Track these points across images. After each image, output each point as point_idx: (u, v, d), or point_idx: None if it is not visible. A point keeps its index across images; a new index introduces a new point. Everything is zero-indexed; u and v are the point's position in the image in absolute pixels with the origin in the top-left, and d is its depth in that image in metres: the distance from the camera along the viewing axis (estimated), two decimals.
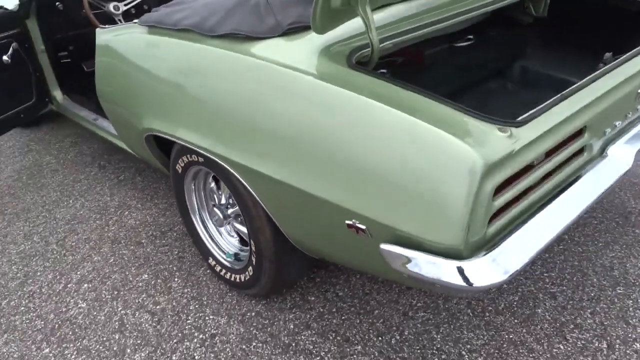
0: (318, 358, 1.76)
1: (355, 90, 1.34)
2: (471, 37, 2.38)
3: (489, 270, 1.18)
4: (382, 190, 1.27)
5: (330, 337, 1.83)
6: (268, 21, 1.60)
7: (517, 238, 1.25)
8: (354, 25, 1.59)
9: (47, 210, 2.68)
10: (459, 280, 1.17)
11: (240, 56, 1.56)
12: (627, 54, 1.70)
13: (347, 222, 1.34)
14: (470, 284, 1.17)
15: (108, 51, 2.05)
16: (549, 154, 1.38)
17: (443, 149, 1.18)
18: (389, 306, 1.95)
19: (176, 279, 2.15)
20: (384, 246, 1.28)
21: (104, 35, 2.07)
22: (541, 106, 1.37)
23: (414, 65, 2.16)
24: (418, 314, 1.91)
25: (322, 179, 1.38)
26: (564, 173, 1.46)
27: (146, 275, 2.19)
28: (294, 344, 1.82)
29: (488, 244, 1.25)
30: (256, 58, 1.53)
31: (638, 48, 1.74)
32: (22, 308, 2.08)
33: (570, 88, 1.46)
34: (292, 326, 1.89)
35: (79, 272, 2.23)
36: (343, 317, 1.91)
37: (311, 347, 1.80)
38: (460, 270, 1.17)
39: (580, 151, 1.50)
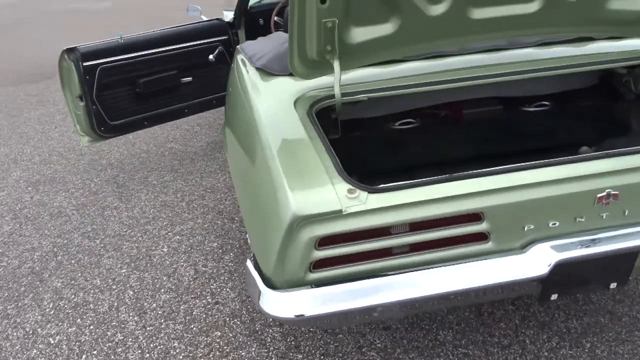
0: None
1: (274, 130, 1.61)
2: (547, 103, 2.22)
3: (279, 304, 1.34)
4: (253, 222, 1.53)
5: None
6: (284, 63, 1.94)
7: (328, 290, 1.36)
8: (353, 75, 1.81)
9: (201, 177, 3.50)
10: (258, 303, 1.37)
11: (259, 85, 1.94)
12: (594, 153, 1.48)
13: None
14: (262, 309, 1.36)
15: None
16: (420, 227, 1.39)
17: (278, 196, 1.38)
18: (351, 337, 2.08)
19: (230, 254, 2.67)
20: (248, 263, 1.53)
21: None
22: (420, 180, 1.40)
23: (458, 121, 2.17)
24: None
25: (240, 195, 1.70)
26: (451, 252, 1.43)
27: (215, 244, 2.76)
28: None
29: (309, 286, 1.39)
30: (264, 88, 1.91)
31: (613, 150, 1.50)
32: (137, 238, 2.88)
33: (471, 172, 1.42)
34: None
35: (180, 227, 2.94)
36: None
37: None
38: (259, 295, 1.37)
39: (482, 237, 1.43)
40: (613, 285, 1.60)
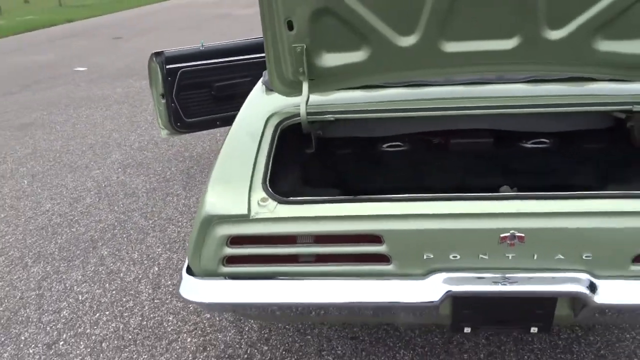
0: None
1: (233, 138, 1.81)
2: (546, 140, 2.14)
3: (190, 289, 1.54)
4: None
5: None
6: None
7: (233, 284, 1.52)
8: (336, 96, 1.95)
9: None
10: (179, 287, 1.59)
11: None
12: (504, 193, 1.45)
13: None
14: (179, 292, 1.57)
15: None
16: (325, 240, 1.49)
17: (204, 195, 1.57)
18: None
19: None
20: None
21: None
22: (328, 197, 1.50)
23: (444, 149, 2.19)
24: None
25: None
26: (356, 268, 1.51)
27: None
28: None
29: (221, 277, 1.56)
30: (252, 101, 2.12)
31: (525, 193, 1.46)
32: (183, 223, 3.25)
33: (375, 196, 1.48)
34: None
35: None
36: None
37: None
38: (180, 280, 1.58)
39: (384, 259, 1.48)
40: (534, 330, 1.54)
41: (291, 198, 1.51)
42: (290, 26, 1.73)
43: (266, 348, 2.16)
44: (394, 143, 2.25)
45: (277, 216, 1.47)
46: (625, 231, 1.39)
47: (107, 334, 2.29)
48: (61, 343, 2.26)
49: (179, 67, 3.50)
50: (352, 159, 2.27)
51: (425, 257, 1.46)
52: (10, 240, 3.16)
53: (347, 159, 2.27)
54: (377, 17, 1.70)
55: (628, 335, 2.09)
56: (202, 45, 3.62)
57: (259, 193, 1.53)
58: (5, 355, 2.21)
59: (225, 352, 2.14)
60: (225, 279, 1.55)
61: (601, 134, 2.17)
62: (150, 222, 3.26)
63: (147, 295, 2.55)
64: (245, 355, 2.12)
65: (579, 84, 1.90)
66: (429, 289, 1.44)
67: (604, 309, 1.43)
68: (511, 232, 1.41)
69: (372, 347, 2.12)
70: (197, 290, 1.54)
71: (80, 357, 2.17)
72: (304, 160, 2.13)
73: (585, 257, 1.42)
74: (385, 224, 1.44)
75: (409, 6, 1.66)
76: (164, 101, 3.52)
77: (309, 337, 2.20)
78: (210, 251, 1.53)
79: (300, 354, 2.12)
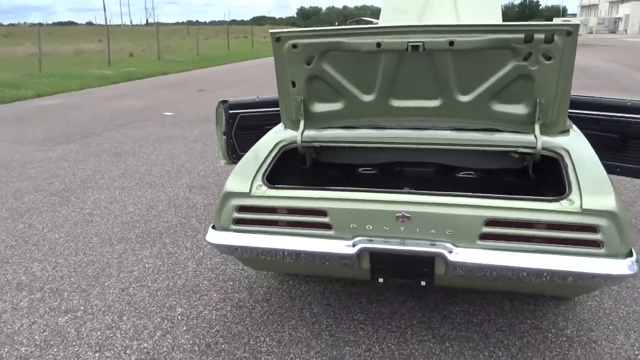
0: None
1: (253, 150, 2.84)
2: (474, 173, 3.01)
3: (210, 236, 2.51)
4: None
5: None
6: None
7: (235, 234, 2.49)
8: (325, 132, 2.93)
9: None
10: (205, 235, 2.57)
11: None
12: (404, 190, 2.33)
13: None
14: (206, 238, 2.55)
15: None
16: (294, 212, 2.44)
17: (226, 181, 2.58)
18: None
19: None
20: None
21: None
22: (298, 186, 2.46)
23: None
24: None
25: None
26: (311, 232, 2.43)
27: None
28: None
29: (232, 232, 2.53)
30: (273, 131, 3.16)
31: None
32: None
33: (326, 187, 2.42)
34: None
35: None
36: None
37: None
38: (207, 231, 2.56)
39: (326, 226, 2.40)
40: (423, 283, 2.37)
41: (276, 185, 2.49)
42: (293, 85, 2.76)
43: (265, 304, 3.07)
44: (366, 168, 3.20)
45: (265, 195, 2.45)
46: (471, 217, 2.23)
47: (161, 287, 3.31)
48: (130, 289, 3.29)
49: (238, 112, 4.61)
50: (333, 174, 3.22)
51: (351, 226, 2.37)
52: (103, 228, 4.31)
53: (330, 174, 3.23)
54: (348, 82, 2.70)
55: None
56: (258, 97, 4.75)
57: (258, 181, 2.52)
58: (93, 293, 3.26)
59: (237, 304, 3.08)
60: (233, 232, 2.53)
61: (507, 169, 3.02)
62: (203, 225, 4.32)
63: (192, 268, 3.56)
64: (251, 306, 3.05)
65: (489, 133, 2.78)
66: (352, 246, 2.34)
67: (458, 266, 2.25)
68: (402, 213, 2.29)
69: (339, 310, 2.98)
70: (214, 237, 2.52)
71: (141, 298, 3.18)
72: (300, 171, 3.11)
73: (448, 232, 2.27)
74: (329, 203, 2.37)
75: (368, 77, 2.65)
76: (224, 137, 4.64)
77: (297, 300, 3.09)
78: (227, 214, 2.52)
79: (289, 309, 3.01)
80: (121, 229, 4.28)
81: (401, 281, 2.49)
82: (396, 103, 2.72)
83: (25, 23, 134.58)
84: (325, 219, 2.41)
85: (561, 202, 2.19)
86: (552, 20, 64.16)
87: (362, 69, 2.63)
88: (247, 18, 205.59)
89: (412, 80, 2.63)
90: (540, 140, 2.56)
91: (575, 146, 2.63)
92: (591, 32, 57.57)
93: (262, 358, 2.57)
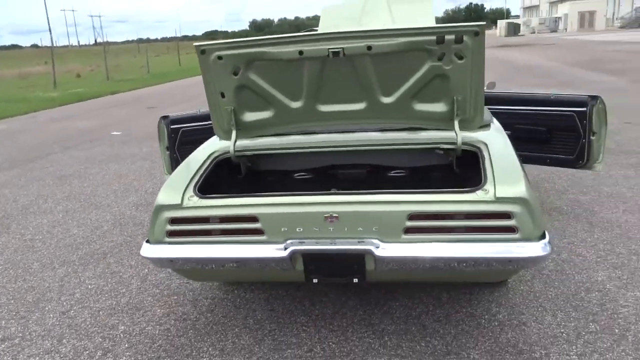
0: None
1: (186, 161, 2.86)
2: (403, 171, 3.11)
3: (145, 250, 2.51)
4: None
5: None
6: None
7: (169, 247, 2.50)
8: (258, 140, 2.97)
9: None
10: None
11: None
12: (329, 191, 2.41)
13: None
14: (140, 252, 2.55)
15: None
16: (226, 220, 2.47)
17: (157, 195, 2.59)
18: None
19: None
20: None
21: None
22: (226, 195, 2.50)
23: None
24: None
25: None
26: (244, 238, 2.46)
27: None
28: None
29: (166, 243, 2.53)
30: (209, 141, 3.18)
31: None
32: None
33: (253, 194, 2.47)
34: None
35: None
36: None
37: None
38: (143, 244, 2.56)
39: (258, 232, 2.44)
40: (355, 280, 2.44)
41: (207, 195, 2.52)
42: (222, 95, 2.80)
43: (209, 315, 3.08)
44: (301, 173, 3.26)
45: (197, 205, 2.48)
46: (395, 213, 2.32)
47: (103, 307, 3.27)
48: (71, 311, 3.24)
49: (180, 127, 4.60)
50: (269, 181, 3.27)
51: (282, 230, 2.42)
52: (45, 253, 4.22)
53: (266, 182, 3.27)
54: (276, 90, 2.76)
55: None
56: (199, 111, 4.75)
57: (189, 192, 2.54)
58: (32, 319, 3.19)
59: (181, 317, 3.07)
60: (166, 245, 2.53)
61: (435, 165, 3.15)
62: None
63: (135, 285, 3.52)
64: (195, 318, 3.05)
65: (413, 131, 2.88)
66: (283, 249, 2.39)
67: (385, 261, 2.33)
68: (330, 213, 2.36)
69: (282, 314, 3.02)
70: (148, 251, 2.52)
71: (82, 320, 3.13)
72: (237, 181, 3.14)
73: (374, 229, 2.35)
74: (259, 209, 2.42)
75: (294, 84, 2.72)
76: (168, 152, 4.62)
77: (241, 309, 3.11)
78: (160, 227, 2.52)
79: (233, 318, 3.03)
80: (63, 252, 4.20)
81: (335, 280, 2.55)
82: (323, 108, 2.80)
83: None
84: (257, 225, 2.45)
85: (477, 192, 2.30)
86: (496, 22, 66.56)
87: (287, 77, 2.70)
88: (199, 33, 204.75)
89: (336, 85, 2.71)
90: (459, 135, 2.68)
91: (493, 140, 2.77)
92: (534, 32, 59.92)
93: None
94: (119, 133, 9.87)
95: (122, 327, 3.00)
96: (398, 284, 3.15)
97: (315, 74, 2.65)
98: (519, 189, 2.27)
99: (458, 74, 2.56)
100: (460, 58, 2.51)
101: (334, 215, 2.36)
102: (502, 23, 60.39)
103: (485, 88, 2.85)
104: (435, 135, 2.82)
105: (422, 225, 2.32)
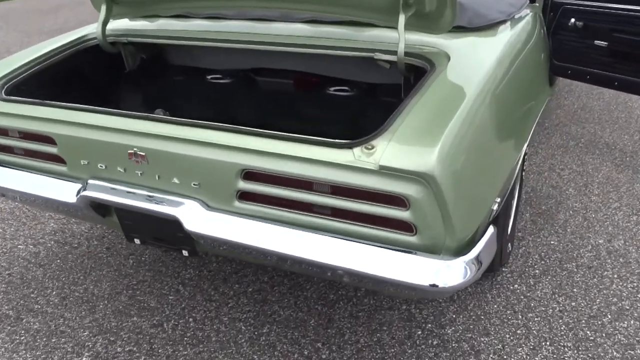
0: None
1: None
2: (347, 88, 2.08)
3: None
4: None
5: None
6: None
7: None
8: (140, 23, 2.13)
9: None
10: None
11: None
12: (136, 113, 1.50)
13: None
14: None
15: None
16: (26, 137, 1.71)
17: None
18: None
19: None
20: None
21: None
22: (33, 100, 1.69)
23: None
24: None
25: None
26: (43, 164, 1.71)
27: None
28: None
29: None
30: None
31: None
32: None
33: (47, 102, 1.63)
34: None
35: None
36: None
37: None
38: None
39: (59, 159, 1.65)
40: (185, 253, 1.61)
41: (14, 97, 1.73)
42: None
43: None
44: (216, 76, 2.31)
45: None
46: (224, 165, 1.39)
47: None
48: None
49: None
50: (168, 83, 2.40)
51: (82, 163, 1.61)
52: None
53: (164, 83, 2.42)
54: None
55: None
56: None
57: None
58: None
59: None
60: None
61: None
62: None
63: None
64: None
65: (355, 28, 1.82)
66: (75, 192, 1.60)
67: (198, 237, 1.46)
68: (134, 149, 1.49)
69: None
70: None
71: None
72: (112, 77, 2.31)
73: (194, 185, 1.45)
74: (56, 127, 1.62)
75: None
76: None
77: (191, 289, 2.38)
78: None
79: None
80: None
81: (161, 246, 1.71)
82: None
83: None
84: (54, 150, 1.66)
85: (355, 149, 1.27)
86: None
87: None
88: None
89: None
90: (402, 38, 1.57)
91: (468, 52, 1.64)
92: None
93: None
94: None
95: None
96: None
97: None
98: (428, 156, 1.20)
99: None
100: None
101: (140, 153, 1.50)
102: None
103: None
104: (379, 36, 1.75)
105: (260, 191, 1.38)
